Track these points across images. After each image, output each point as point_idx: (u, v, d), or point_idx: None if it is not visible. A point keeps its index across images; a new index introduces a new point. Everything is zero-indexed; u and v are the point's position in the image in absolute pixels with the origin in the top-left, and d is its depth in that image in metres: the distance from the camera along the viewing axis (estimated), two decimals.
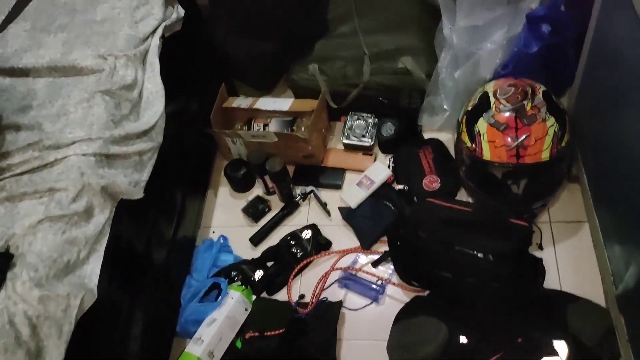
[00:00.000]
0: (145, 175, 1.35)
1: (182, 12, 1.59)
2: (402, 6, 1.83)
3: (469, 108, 1.50)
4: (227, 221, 1.75)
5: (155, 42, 1.46)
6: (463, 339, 1.33)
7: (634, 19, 1.04)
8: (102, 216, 1.21)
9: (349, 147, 1.79)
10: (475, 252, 1.31)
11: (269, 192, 1.75)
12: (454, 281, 1.36)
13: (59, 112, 1.30)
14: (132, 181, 1.30)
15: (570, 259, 1.46)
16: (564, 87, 1.65)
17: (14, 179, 1.20)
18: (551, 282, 1.43)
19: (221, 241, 1.66)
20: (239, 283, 1.54)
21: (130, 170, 1.31)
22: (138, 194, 1.29)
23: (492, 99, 1.45)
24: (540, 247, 1.48)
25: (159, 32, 1.48)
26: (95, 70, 1.35)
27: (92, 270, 1.16)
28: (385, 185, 1.68)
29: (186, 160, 1.69)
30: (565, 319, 1.32)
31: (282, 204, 1.73)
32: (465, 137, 1.48)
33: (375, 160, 1.75)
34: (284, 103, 1.79)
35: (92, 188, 1.18)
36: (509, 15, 1.59)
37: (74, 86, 1.34)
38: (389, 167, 1.71)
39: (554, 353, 1.26)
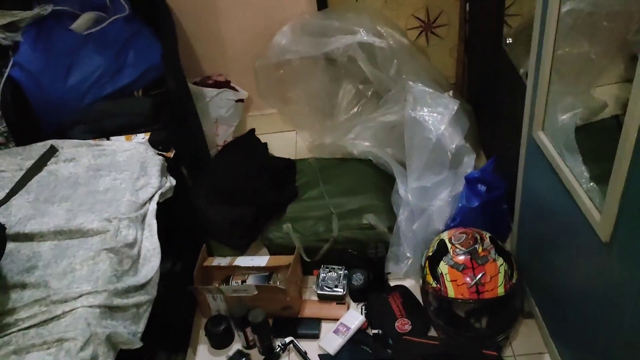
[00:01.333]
0: (141, 327, 1.42)
1: (173, 181, 1.80)
2: (360, 173, 2.16)
3: (430, 253, 1.73)
4: None
5: (152, 206, 1.64)
6: None
7: (550, 170, 1.34)
8: None
9: (323, 298, 1.93)
10: None
11: (249, 345, 1.82)
12: None
13: (65, 270, 1.40)
14: (130, 332, 1.37)
15: None
16: (503, 234, 1.93)
17: (20, 333, 1.26)
18: None
19: None
20: None
21: (129, 322, 1.39)
22: (137, 343, 1.36)
23: (449, 245, 1.69)
24: None
25: (156, 198, 1.67)
26: (101, 232, 1.49)
27: None
28: (361, 331, 1.80)
29: (170, 319, 1.76)
30: None
31: (263, 357, 1.79)
32: (430, 279, 1.68)
33: (348, 308, 1.89)
34: (261, 260, 1.95)
35: (99, 337, 1.25)
36: (452, 177, 1.92)
37: (79, 247, 1.47)
38: (362, 314, 1.84)
39: None
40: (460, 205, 1.88)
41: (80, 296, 1.32)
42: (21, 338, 1.25)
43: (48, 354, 1.20)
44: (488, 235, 1.71)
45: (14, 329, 1.27)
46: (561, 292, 1.48)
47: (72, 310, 1.29)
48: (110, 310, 1.35)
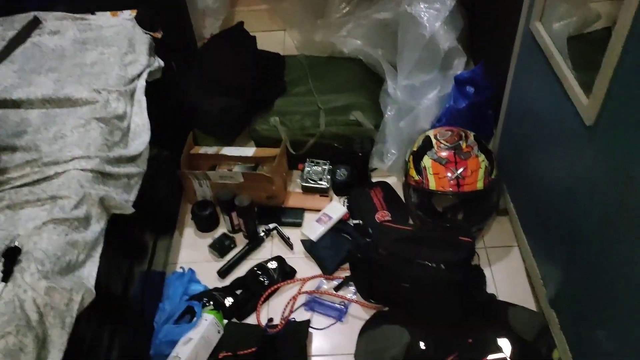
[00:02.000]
0: (132, 196, 1.45)
1: (161, 62, 1.78)
2: (349, 72, 2.16)
3: (415, 149, 1.77)
4: (194, 257, 1.84)
5: (142, 83, 1.63)
6: (422, 345, 1.49)
7: (543, 61, 1.36)
8: (98, 226, 1.29)
9: (308, 190, 1.98)
10: (429, 262, 1.51)
11: (234, 229, 1.88)
12: (412, 291, 1.54)
13: (56, 135, 1.40)
14: (122, 199, 1.40)
15: (503, 276, 1.70)
16: (486, 138, 1.98)
17: (13, 191, 1.27)
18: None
19: (190, 274, 1.74)
20: (212, 307, 1.61)
21: (121, 190, 1.42)
22: (129, 209, 1.39)
23: (434, 140, 1.73)
24: (480, 269, 1.71)
25: (144, 75, 1.66)
26: (90, 102, 1.48)
27: (90, 273, 1.22)
28: (342, 222, 1.87)
29: (157, 202, 1.79)
30: (507, 320, 1.52)
31: (247, 240, 1.86)
32: (412, 172, 1.74)
33: (331, 201, 1.95)
34: (247, 150, 1.97)
35: (92, 198, 1.28)
36: (441, 77, 1.93)
37: (68, 115, 1.46)
38: (344, 206, 1.91)
39: (500, 350, 1.45)
40: (447, 105, 1.91)
41: (73, 159, 1.33)
42: (14, 195, 1.27)
43: (43, 209, 1.23)
44: (472, 133, 1.76)
45: (6, 187, 1.28)
46: (538, 186, 1.55)
47: (65, 172, 1.31)
48: (102, 176, 1.37)
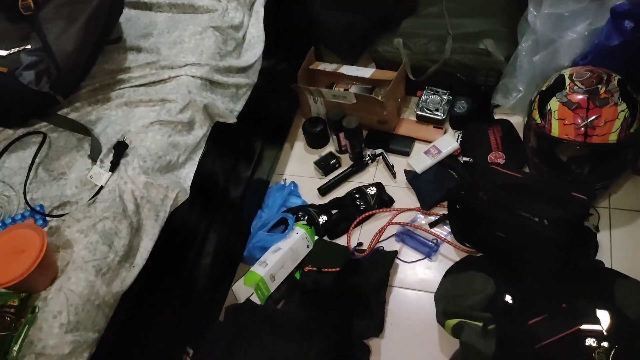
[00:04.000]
0: (239, 106, 1.51)
1: None
2: None
3: (544, 88, 1.58)
4: (299, 171, 1.89)
5: None
6: (508, 298, 1.40)
7: None
8: (201, 131, 1.38)
9: (422, 119, 1.89)
10: (532, 216, 1.39)
11: (341, 150, 1.89)
12: (507, 242, 1.44)
13: (175, 40, 1.48)
14: (228, 108, 1.46)
15: (624, 244, 1.51)
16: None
17: (132, 89, 1.40)
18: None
19: (292, 187, 1.80)
20: (305, 222, 1.67)
21: (227, 99, 1.48)
22: (232, 119, 1.46)
23: (567, 81, 1.52)
24: (597, 229, 1.53)
25: None
26: (210, 10, 1.53)
27: (187, 174, 1.33)
28: (452, 157, 1.77)
29: (270, 112, 1.85)
30: (612, 292, 1.36)
31: (352, 162, 1.85)
32: (535, 115, 1.56)
33: (445, 133, 1.85)
34: (366, 71, 1.92)
35: (197, 104, 1.36)
36: (594, 7, 1.65)
37: (189, 21, 1.53)
38: (457, 141, 1.80)
39: (596, 321, 1.31)
40: (596, 41, 1.64)
41: (186, 65, 1.41)
42: (132, 93, 1.39)
43: (152, 110, 1.33)
44: (617, 77, 1.51)
45: (127, 85, 1.41)
46: None
47: (177, 76, 1.39)
48: (210, 83, 1.43)
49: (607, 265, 1.47)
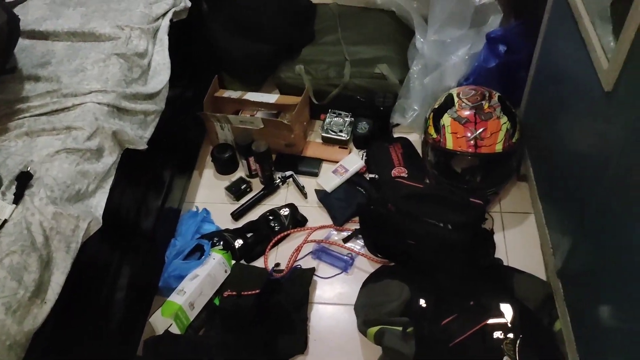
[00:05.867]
0: (148, 133, 1.49)
1: (188, 3, 1.78)
2: (379, 24, 2.10)
3: (436, 106, 1.73)
4: (210, 198, 1.88)
5: (165, 22, 1.64)
6: (422, 302, 1.49)
7: (575, 30, 1.28)
8: (111, 158, 1.34)
9: (327, 141, 1.98)
10: (437, 222, 1.50)
11: (251, 174, 1.91)
12: (417, 248, 1.54)
13: (77, 68, 1.44)
14: (137, 135, 1.44)
15: (516, 242, 1.67)
16: (516, 102, 1.91)
17: (32, 119, 1.33)
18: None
19: (205, 214, 1.79)
20: (221, 247, 1.66)
21: (136, 126, 1.46)
22: (142, 145, 1.43)
23: (456, 99, 1.68)
24: (492, 232, 1.68)
25: (169, 15, 1.67)
26: (113, 38, 1.51)
27: (98, 203, 1.28)
28: (359, 175, 1.86)
29: (177, 141, 1.83)
30: (512, 286, 1.50)
31: (263, 186, 1.88)
32: (431, 130, 1.70)
33: (350, 153, 1.94)
34: (270, 97, 1.98)
35: (105, 131, 1.32)
36: (472, 35, 1.86)
37: (91, 49, 1.50)
38: (362, 159, 1.90)
39: (501, 315, 1.43)
40: (476, 64, 1.84)
41: (90, 92, 1.37)
42: (33, 123, 1.32)
43: (57, 138, 1.28)
44: (497, 94, 1.69)
45: (26, 114, 1.34)
46: (557, 153, 1.49)
47: (82, 104, 1.35)
48: (118, 110, 1.41)
49: (504, 260, 1.62)
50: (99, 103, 1.35)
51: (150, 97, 1.51)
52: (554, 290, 1.47)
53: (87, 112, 1.33)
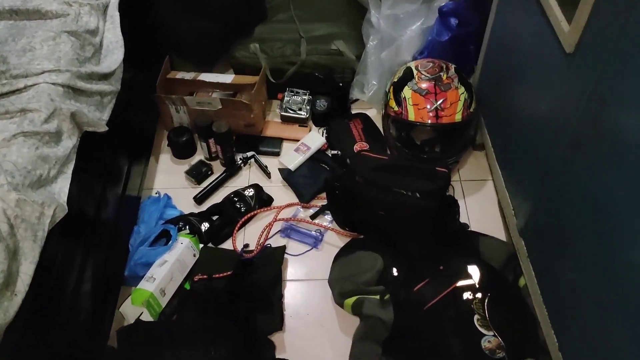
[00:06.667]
0: (105, 115, 1.42)
1: None
2: (331, 1, 2.09)
3: (395, 80, 1.75)
4: (170, 183, 1.82)
5: None
6: (395, 272, 1.52)
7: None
8: (70, 142, 1.27)
9: (286, 120, 1.96)
10: (405, 191, 1.52)
11: (211, 157, 1.86)
12: (387, 218, 1.56)
13: (24, 48, 1.35)
14: (94, 117, 1.37)
15: (477, 208, 1.73)
16: (468, 72, 1.96)
17: None
18: None
19: (166, 199, 1.73)
20: (188, 231, 1.62)
21: (93, 108, 1.38)
22: (102, 127, 1.37)
23: (415, 71, 1.71)
24: (454, 199, 1.74)
25: None
26: (60, 15, 1.42)
27: (61, 189, 1.21)
28: (320, 152, 1.86)
29: (133, 125, 1.75)
30: (477, 249, 1.56)
31: (224, 169, 1.84)
32: (392, 103, 1.72)
33: (310, 131, 1.93)
34: (226, 77, 1.93)
35: (63, 113, 1.25)
36: (425, 9, 1.89)
37: (37, 28, 1.40)
38: (322, 136, 1.90)
39: (469, 276, 1.48)
40: (430, 38, 1.88)
41: (43, 72, 1.29)
42: None
43: (12, 122, 1.19)
44: (453, 66, 1.74)
45: None
46: (515, 119, 1.55)
47: (35, 85, 1.27)
48: (73, 91, 1.33)
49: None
50: (53, 83, 1.27)
51: (105, 77, 1.44)
52: (517, 249, 1.53)
53: (42, 93, 1.24)
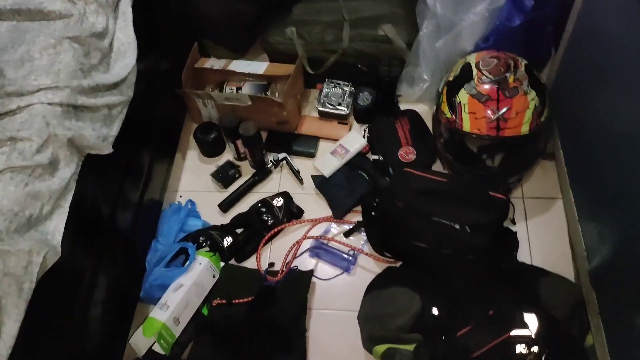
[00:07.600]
0: (114, 130, 1.27)
1: None
2: None
3: (450, 78, 1.49)
4: (195, 186, 1.68)
5: None
6: (435, 311, 1.33)
7: None
8: (68, 170, 1.13)
9: (324, 115, 1.75)
10: (452, 223, 1.31)
11: (240, 157, 1.70)
12: (429, 252, 1.36)
13: (23, 57, 1.20)
14: (100, 135, 1.22)
15: (542, 234, 1.48)
16: (541, 63, 1.65)
17: None
18: (522, 256, 1.44)
19: (189, 206, 1.60)
20: (207, 249, 1.49)
21: (99, 124, 1.23)
22: (107, 148, 1.22)
23: (475, 70, 1.43)
24: (513, 222, 1.49)
25: None
26: (64, 15, 1.25)
27: (56, 227, 1.09)
28: (360, 155, 1.65)
29: (155, 121, 1.61)
30: (537, 292, 1.33)
31: (254, 171, 1.68)
32: (445, 108, 1.47)
33: (350, 129, 1.72)
34: (258, 66, 1.73)
35: (59, 139, 1.10)
36: None
37: (39, 31, 1.24)
38: (364, 137, 1.68)
39: (525, 326, 1.26)
40: (497, 23, 1.57)
41: (39, 90, 1.14)
42: None
43: (1, 152, 1.06)
44: (524, 62, 1.44)
45: None
46: (597, 131, 1.26)
47: (29, 106, 1.12)
48: (75, 109, 1.18)
49: (527, 255, 1.44)
50: (49, 104, 1.12)
51: (114, 86, 1.28)
52: (587, 301, 1.29)
53: (35, 117, 1.10)
